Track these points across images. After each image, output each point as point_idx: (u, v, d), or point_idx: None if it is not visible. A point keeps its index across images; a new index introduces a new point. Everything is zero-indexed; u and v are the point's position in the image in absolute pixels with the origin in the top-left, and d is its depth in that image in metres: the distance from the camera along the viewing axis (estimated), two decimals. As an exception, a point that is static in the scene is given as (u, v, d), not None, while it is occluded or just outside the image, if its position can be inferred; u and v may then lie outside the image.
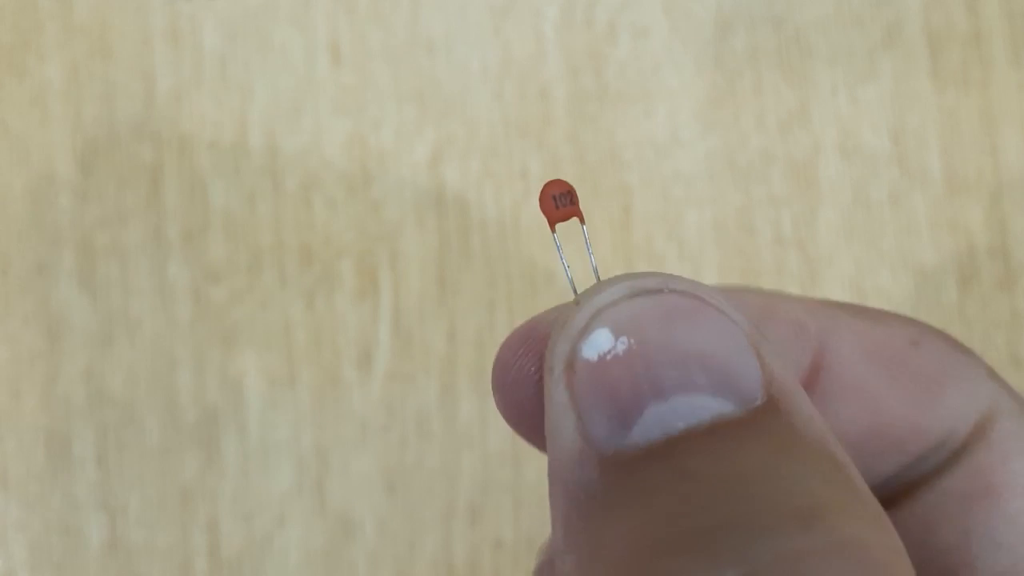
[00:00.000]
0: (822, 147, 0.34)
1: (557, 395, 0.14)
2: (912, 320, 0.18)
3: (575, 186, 0.16)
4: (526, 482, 0.33)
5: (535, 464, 0.33)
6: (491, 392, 0.17)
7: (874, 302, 0.34)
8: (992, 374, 0.18)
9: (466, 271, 0.33)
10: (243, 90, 0.34)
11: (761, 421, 0.14)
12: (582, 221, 0.16)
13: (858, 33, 0.35)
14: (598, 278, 0.16)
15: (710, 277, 0.34)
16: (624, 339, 0.14)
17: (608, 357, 0.14)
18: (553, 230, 0.16)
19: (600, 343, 0.14)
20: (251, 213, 0.33)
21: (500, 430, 0.33)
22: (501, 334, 0.33)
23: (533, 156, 0.34)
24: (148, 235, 0.33)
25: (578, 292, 0.16)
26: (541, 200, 0.16)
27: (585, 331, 0.14)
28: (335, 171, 0.34)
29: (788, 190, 0.34)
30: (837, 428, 0.17)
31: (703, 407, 0.14)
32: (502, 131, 0.34)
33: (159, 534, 0.32)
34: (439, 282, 0.33)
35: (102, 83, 0.34)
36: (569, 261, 0.17)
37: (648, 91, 0.34)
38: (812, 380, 0.17)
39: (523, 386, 0.16)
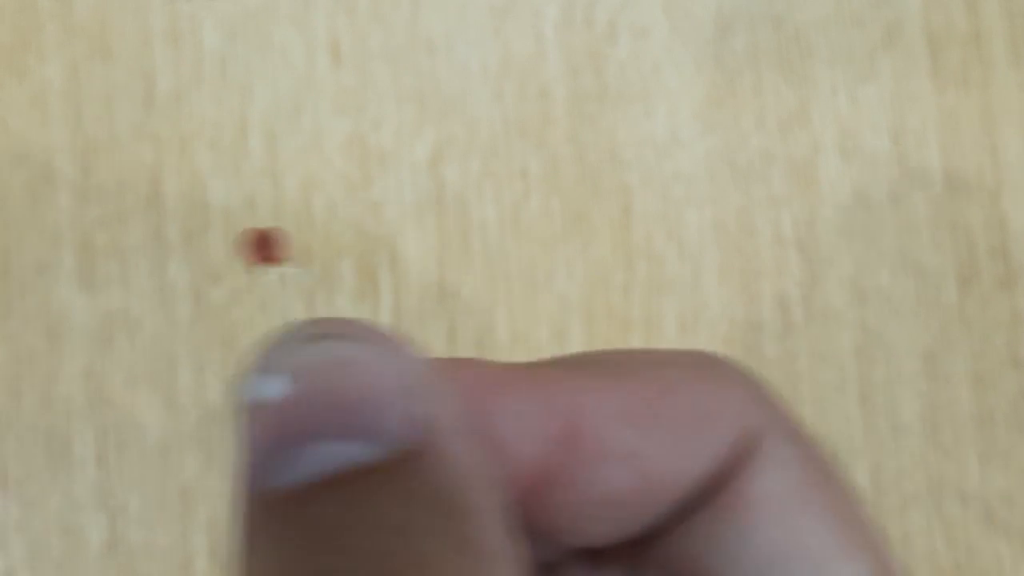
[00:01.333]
0: (822, 147, 0.34)
1: (237, 431, 0.16)
2: (669, 361, 0.18)
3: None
4: (526, 482, 0.33)
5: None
6: None
7: (874, 302, 0.34)
8: (760, 399, 0.18)
9: (466, 271, 0.33)
10: (243, 90, 0.34)
11: (396, 469, 0.14)
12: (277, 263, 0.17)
13: (858, 33, 0.35)
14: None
15: (710, 277, 0.34)
16: (277, 385, 0.15)
17: (265, 402, 0.15)
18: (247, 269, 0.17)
19: (260, 388, 0.15)
20: (251, 213, 0.33)
21: (500, 430, 0.33)
22: (501, 334, 0.33)
23: (533, 156, 0.34)
24: (148, 235, 0.33)
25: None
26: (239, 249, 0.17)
27: (251, 375, 0.15)
28: (335, 171, 0.34)
29: (788, 190, 0.34)
30: (604, 494, 0.17)
31: (339, 453, 0.14)
32: (502, 131, 0.34)
33: (159, 534, 0.32)
34: (439, 282, 0.33)
35: (102, 83, 0.34)
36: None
37: (648, 91, 0.34)
38: (568, 451, 0.17)
39: None
